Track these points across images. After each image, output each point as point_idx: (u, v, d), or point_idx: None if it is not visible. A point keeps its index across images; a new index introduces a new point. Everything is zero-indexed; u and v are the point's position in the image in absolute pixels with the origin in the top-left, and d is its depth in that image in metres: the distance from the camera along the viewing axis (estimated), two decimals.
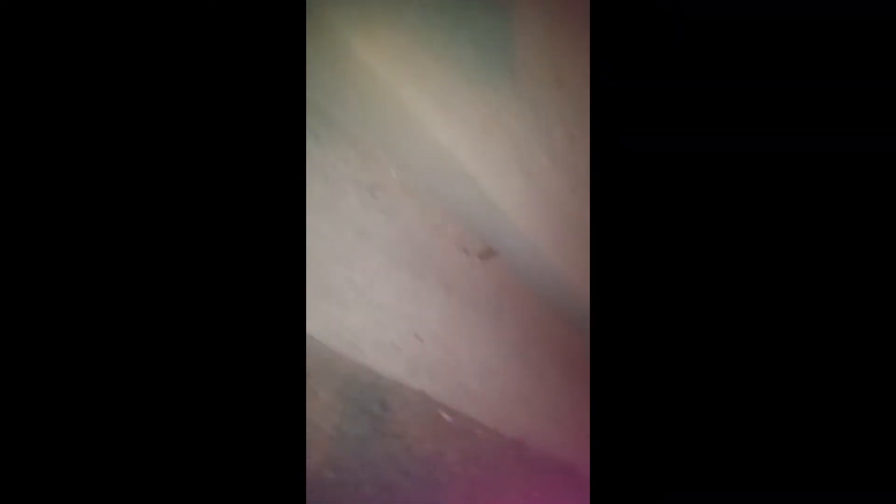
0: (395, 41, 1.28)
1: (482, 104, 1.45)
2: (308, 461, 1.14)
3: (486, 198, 1.64)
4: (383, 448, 1.32)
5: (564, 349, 1.95)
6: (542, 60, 1.54)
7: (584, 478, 2.06)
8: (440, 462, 1.47)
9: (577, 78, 1.54)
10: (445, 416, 1.49)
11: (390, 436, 1.34)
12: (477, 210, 1.63)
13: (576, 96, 1.56)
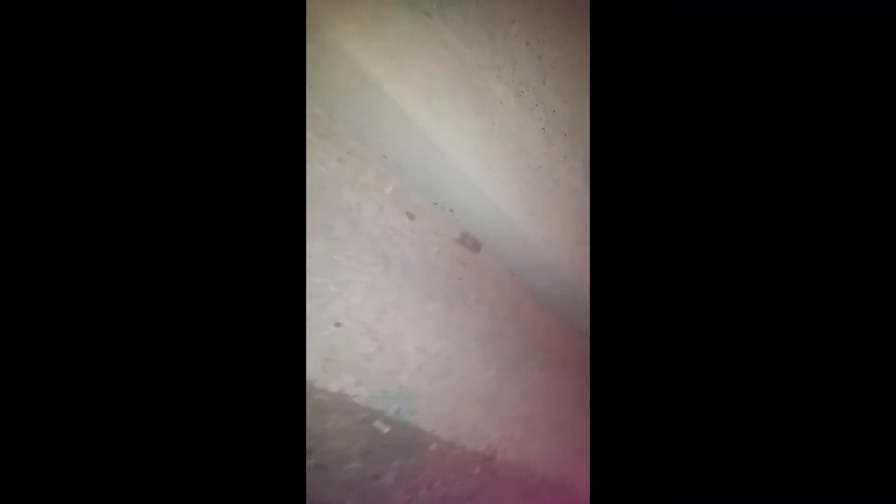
0: None
1: (415, 21, 1.10)
2: None
3: (436, 147, 1.29)
4: None
5: (543, 338, 1.58)
6: None
7: (579, 496, 1.68)
8: (373, 488, 1.12)
9: None
10: (380, 425, 1.14)
11: None
12: (423, 161, 1.28)
13: (545, 4, 1.20)
